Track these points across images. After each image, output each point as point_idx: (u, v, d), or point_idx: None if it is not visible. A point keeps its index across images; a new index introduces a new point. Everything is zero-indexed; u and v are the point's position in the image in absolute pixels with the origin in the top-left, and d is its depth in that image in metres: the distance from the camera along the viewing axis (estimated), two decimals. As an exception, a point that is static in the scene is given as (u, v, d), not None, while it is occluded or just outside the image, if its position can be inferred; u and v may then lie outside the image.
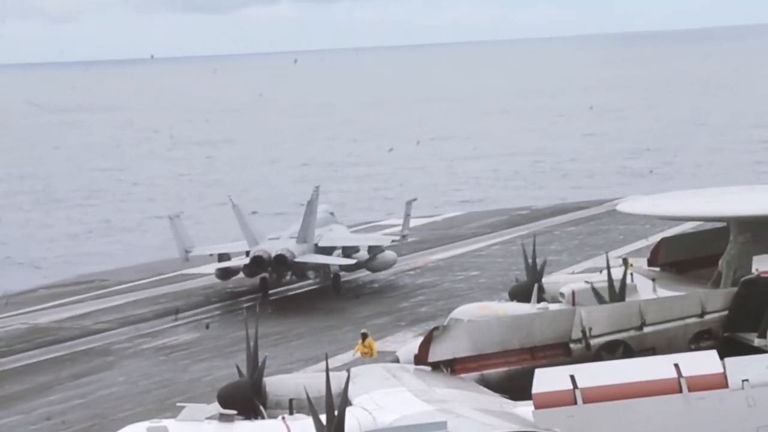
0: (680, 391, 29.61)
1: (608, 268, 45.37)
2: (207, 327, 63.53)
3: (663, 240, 54.56)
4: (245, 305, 65.26)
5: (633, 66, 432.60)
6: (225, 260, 70.50)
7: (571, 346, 37.97)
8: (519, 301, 49.22)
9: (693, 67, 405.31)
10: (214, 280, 74.44)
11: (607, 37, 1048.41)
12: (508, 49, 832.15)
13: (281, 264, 66.20)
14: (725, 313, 39.96)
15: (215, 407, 33.56)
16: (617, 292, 44.30)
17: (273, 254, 66.02)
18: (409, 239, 73.18)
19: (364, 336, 49.36)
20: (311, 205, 68.46)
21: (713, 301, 40.25)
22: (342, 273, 70.85)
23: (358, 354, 49.29)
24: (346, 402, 29.27)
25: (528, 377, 30.32)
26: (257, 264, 66.55)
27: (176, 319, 66.04)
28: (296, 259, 66.28)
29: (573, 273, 58.42)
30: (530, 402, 29.86)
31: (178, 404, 33.21)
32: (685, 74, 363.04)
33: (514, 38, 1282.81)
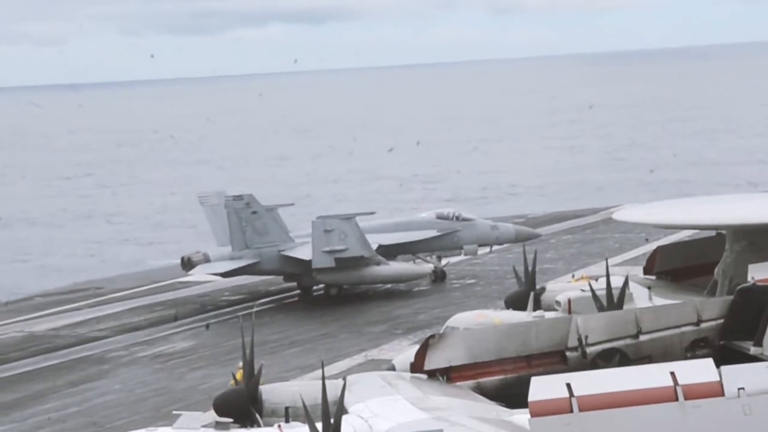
0: (676, 399, 29.58)
1: (607, 276, 45.33)
2: (207, 327, 63.91)
3: (659, 248, 54.55)
4: (241, 313, 65.28)
5: (621, 84, 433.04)
6: None
7: (568, 354, 37.97)
8: (515, 309, 49.19)
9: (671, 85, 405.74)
10: (210, 288, 74.95)
11: (597, 56, 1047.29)
12: (498, 68, 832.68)
13: (190, 266, 70.94)
14: (721, 321, 39.94)
15: (211, 415, 33.56)
16: (614, 301, 44.29)
17: (186, 257, 71.12)
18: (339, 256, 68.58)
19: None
20: (238, 214, 70.24)
21: (709, 309, 40.25)
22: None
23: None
24: (342, 410, 29.25)
25: (524, 385, 30.26)
26: (181, 263, 71.49)
27: (176, 319, 66.98)
28: (200, 264, 70.74)
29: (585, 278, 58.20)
30: (526, 410, 29.82)
31: (174, 412, 33.30)
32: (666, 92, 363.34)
33: (502, 58, 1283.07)
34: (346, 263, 68.92)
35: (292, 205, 78.82)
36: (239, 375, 45.50)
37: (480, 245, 75.37)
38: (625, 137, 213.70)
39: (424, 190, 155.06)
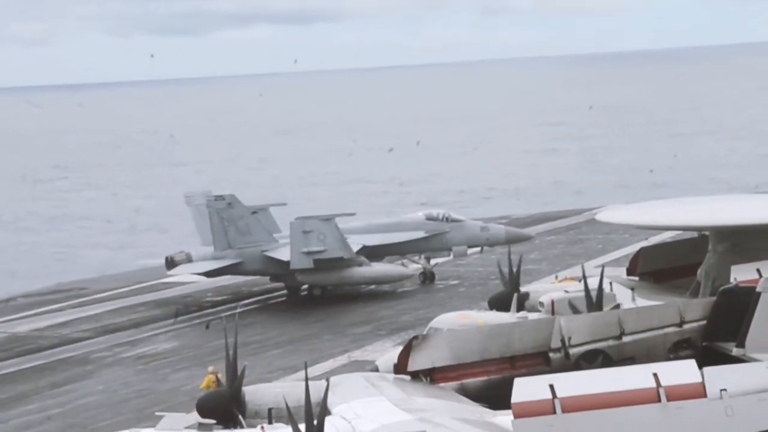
0: (659, 400, 29.64)
1: (584, 278, 45.41)
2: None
3: (642, 249, 54.63)
4: (224, 314, 65.20)
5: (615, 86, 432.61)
6: None
7: (551, 355, 37.99)
8: (498, 310, 49.25)
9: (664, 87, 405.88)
10: (193, 288, 74.93)
11: (584, 57, 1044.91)
12: (486, 69, 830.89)
13: (173, 266, 71.67)
14: (704, 322, 40.02)
15: (194, 416, 33.49)
16: (595, 302, 44.38)
17: (170, 256, 71.90)
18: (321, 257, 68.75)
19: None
20: (220, 214, 70.65)
21: (692, 310, 40.31)
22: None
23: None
24: (325, 411, 29.24)
25: (507, 386, 30.27)
26: (165, 263, 72.01)
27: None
28: (182, 264, 71.35)
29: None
30: (509, 411, 29.85)
31: (157, 413, 33.18)
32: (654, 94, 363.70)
33: (492, 59, 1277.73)
34: (325, 264, 68.87)
35: (284, 204, 79.00)
36: (211, 377, 45.69)
37: (469, 246, 75.19)
38: (607, 140, 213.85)
39: (400, 193, 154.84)
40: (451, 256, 75.70)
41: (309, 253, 68.48)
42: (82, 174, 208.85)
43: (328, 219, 69.65)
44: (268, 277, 73.58)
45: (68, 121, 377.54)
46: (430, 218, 74.55)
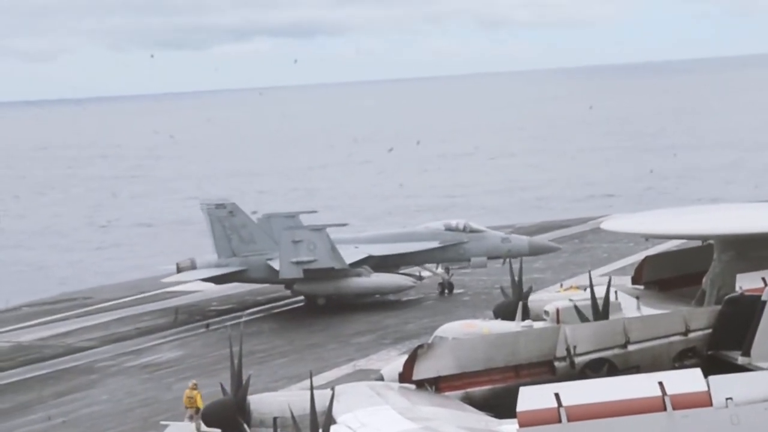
0: (664, 409, 29.60)
1: (591, 286, 45.35)
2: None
3: (647, 258, 54.58)
4: (229, 323, 65.21)
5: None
6: None
7: (556, 364, 37.95)
8: (503, 319, 49.16)
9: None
10: (198, 297, 74.97)
11: (582, 70, 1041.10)
12: (485, 82, 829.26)
13: (178, 272, 71.92)
14: (709, 331, 39.97)
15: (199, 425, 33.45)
16: (601, 311, 44.34)
17: (178, 262, 72.29)
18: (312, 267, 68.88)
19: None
20: (222, 222, 70.91)
21: (697, 319, 40.26)
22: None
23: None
24: (330, 420, 29.21)
25: (512, 395, 30.26)
26: (177, 269, 72.40)
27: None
28: (187, 271, 71.51)
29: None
30: (515, 420, 29.82)
31: (162, 422, 33.28)
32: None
33: (492, 71, 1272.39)
34: (315, 274, 68.74)
35: (315, 212, 79.21)
36: (189, 392, 45.43)
37: (490, 258, 74.09)
38: (593, 152, 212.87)
39: (378, 206, 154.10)
40: (470, 268, 74.94)
41: (298, 263, 68.41)
42: (59, 190, 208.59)
43: (319, 229, 69.60)
44: (272, 285, 73.56)
45: (38, 135, 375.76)
46: (448, 228, 73.98)
